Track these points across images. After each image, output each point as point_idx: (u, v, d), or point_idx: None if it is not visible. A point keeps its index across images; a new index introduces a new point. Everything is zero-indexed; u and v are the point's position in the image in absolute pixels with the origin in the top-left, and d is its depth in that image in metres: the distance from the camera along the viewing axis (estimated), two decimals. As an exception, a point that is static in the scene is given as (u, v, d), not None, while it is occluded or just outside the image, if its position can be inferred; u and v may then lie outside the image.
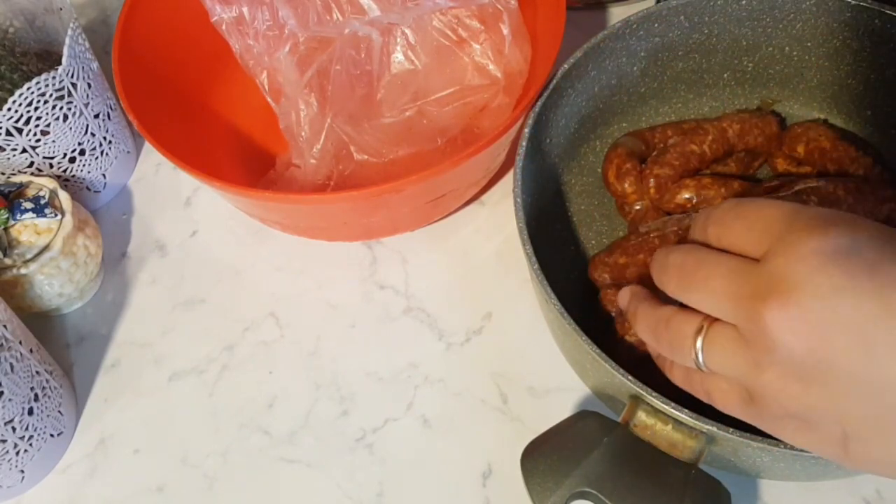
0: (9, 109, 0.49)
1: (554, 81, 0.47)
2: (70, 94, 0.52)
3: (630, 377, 0.37)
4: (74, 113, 0.53)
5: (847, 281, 0.23)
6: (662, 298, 0.32)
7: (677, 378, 0.32)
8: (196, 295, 0.55)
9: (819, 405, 0.24)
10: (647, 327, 0.32)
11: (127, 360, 0.53)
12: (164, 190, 0.61)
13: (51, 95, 0.50)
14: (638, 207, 0.50)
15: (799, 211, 0.27)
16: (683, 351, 0.29)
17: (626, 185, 0.50)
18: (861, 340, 0.23)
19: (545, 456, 0.37)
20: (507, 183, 0.58)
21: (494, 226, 0.56)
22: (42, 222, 0.50)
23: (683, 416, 0.36)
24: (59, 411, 0.48)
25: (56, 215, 0.50)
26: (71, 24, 0.52)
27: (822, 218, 0.25)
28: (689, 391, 0.32)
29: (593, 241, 0.53)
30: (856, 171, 0.48)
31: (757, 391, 0.26)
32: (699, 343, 0.28)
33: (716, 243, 0.30)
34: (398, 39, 0.57)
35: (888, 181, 0.48)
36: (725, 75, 0.54)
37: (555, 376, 0.49)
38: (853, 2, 0.47)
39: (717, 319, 0.28)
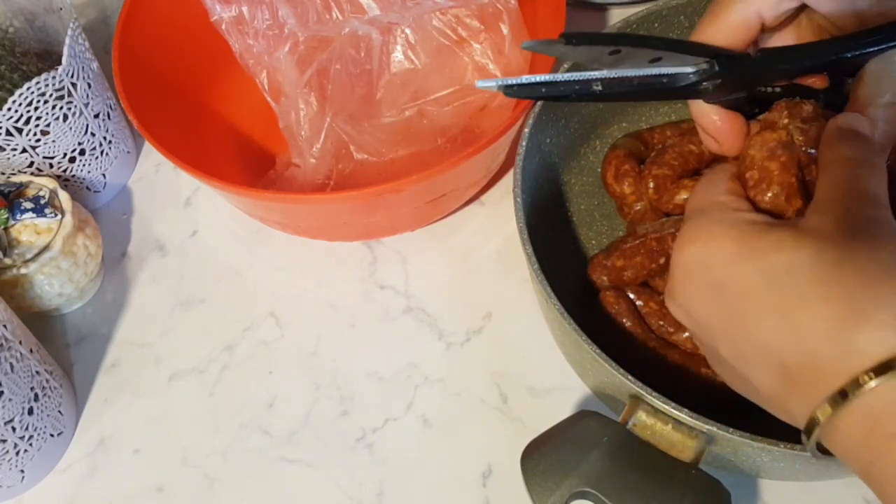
0: (9, 109, 0.49)
1: (554, 81, 0.47)
2: (70, 94, 0.52)
3: (630, 377, 0.37)
4: (74, 113, 0.53)
5: (694, 293, 0.33)
6: None
7: None
8: (196, 295, 0.55)
9: (698, 340, 0.36)
10: None
11: (127, 360, 0.53)
12: (164, 190, 0.61)
13: (51, 95, 0.50)
14: (637, 208, 0.50)
15: (693, 215, 0.35)
16: None
17: (625, 187, 0.50)
18: (708, 331, 0.33)
19: (545, 456, 0.37)
20: (507, 183, 0.58)
21: (494, 226, 0.56)
22: (42, 222, 0.50)
23: (683, 415, 0.36)
24: (59, 411, 0.48)
25: (56, 215, 0.50)
26: (71, 24, 0.52)
27: (694, 234, 0.34)
28: None
29: (593, 241, 0.53)
30: None
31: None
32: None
33: None
34: (398, 39, 0.57)
35: None
36: (725, 75, 0.54)
37: (555, 376, 0.49)
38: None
39: None
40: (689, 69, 0.35)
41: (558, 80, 0.36)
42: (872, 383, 0.27)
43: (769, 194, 0.35)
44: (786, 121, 0.36)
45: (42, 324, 0.54)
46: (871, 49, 0.35)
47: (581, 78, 0.35)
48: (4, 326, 0.42)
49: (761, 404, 0.33)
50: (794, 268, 0.30)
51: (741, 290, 0.31)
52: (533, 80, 0.36)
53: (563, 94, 0.36)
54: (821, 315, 0.29)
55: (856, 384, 0.27)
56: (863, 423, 0.28)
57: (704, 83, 0.36)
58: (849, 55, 0.35)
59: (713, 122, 0.38)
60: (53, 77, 0.50)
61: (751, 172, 0.36)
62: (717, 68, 0.35)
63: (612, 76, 0.35)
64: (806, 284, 0.29)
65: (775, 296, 0.30)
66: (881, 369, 0.27)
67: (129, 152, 0.61)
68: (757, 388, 0.32)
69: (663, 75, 0.35)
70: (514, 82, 0.36)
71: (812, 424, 0.29)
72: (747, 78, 0.37)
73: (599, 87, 0.35)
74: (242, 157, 0.59)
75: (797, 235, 0.31)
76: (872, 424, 0.27)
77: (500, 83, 0.35)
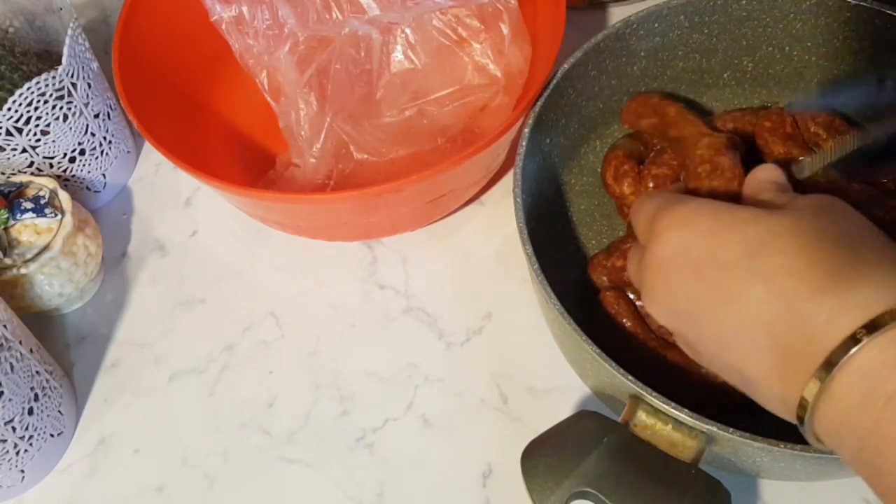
0: (9, 109, 0.49)
1: (554, 81, 0.47)
2: (70, 94, 0.52)
3: (630, 377, 0.37)
4: (74, 113, 0.53)
5: (675, 281, 0.33)
6: None
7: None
8: (196, 295, 0.55)
9: (682, 340, 0.36)
10: None
11: (127, 360, 0.53)
12: (164, 190, 0.61)
13: (51, 95, 0.50)
14: (637, 208, 0.50)
15: (659, 211, 0.34)
16: None
17: (625, 187, 0.50)
18: (692, 322, 0.33)
19: (545, 456, 0.37)
20: (507, 183, 0.58)
21: (494, 226, 0.56)
22: (42, 222, 0.50)
23: (683, 415, 0.36)
24: (59, 411, 0.48)
25: (56, 215, 0.50)
26: (71, 24, 0.52)
27: (668, 221, 0.33)
28: None
29: (593, 241, 0.53)
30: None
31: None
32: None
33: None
34: (398, 39, 0.57)
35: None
36: (725, 75, 0.54)
37: (555, 376, 0.49)
38: (853, 2, 0.47)
39: None
40: None
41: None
42: (866, 340, 0.26)
43: (720, 180, 0.39)
44: (730, 125, 0.44)
45: (42, 324, 0.54)
46: None
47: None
48: (4, 326, 0.42)
49: (752, 394, 0.32)
50: (774, 236, 0.30)
51: (723, 264, 0.30)
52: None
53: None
54: (807, 278, 0.28)
55: (851, 341, 0.26)
56: (860, 385, 0.27)
57: None
58: None
59: None
60: (53, 77, 0.50)
61: (703, 167, 0.40)
62: None
63: None
64: (788, 250, 0.29)
65: (759, 264, 0.29)
66: (873, 326, 0.26)
67: (129, 152, 0.61)
68: (745, 374, 0.31)
69: None
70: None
71: (806, 401, 0.28)
72: None
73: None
74: (242, 157, 0.59)
75: (768, 210, 0.31)
76: (871, 385, 0.26)
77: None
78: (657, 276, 0.34)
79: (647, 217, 0.36)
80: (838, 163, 0.39)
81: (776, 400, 0.31)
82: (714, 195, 0.38)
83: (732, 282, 0.30)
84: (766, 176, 0.37)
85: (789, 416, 0.30)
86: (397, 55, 0.57)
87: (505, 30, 0.55)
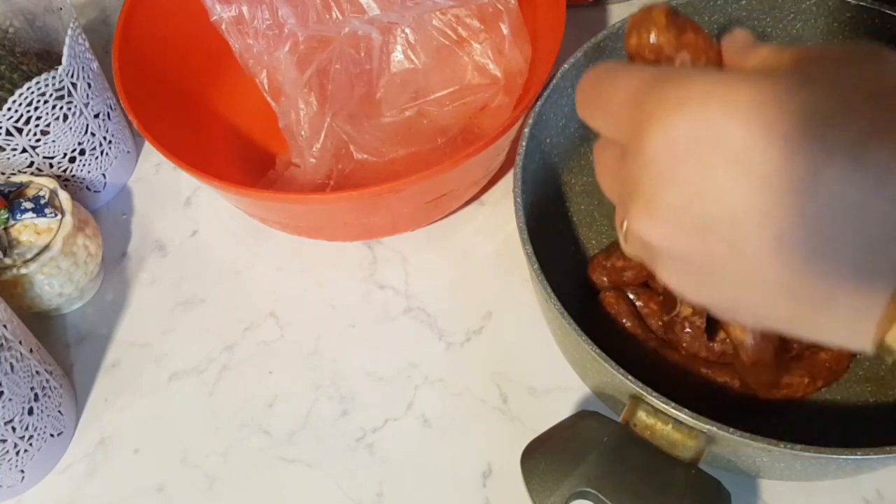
0: (9, 109, 0.49)
1: (554, 81, 0.47)
2: (70, 94, 0.52)
3: (630, 377, 0.37)
4: (74, 113, 0.53)
5: (701, 178, 0.23)
6: None
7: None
8: (196, 295, 0.55)
9: (692, 263, 0.25)
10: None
11: (127, 360, 0.53)
12: (164, 190, 0.61)
13: (51, 95, 0.50)
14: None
15: (657, 83, 0.25)
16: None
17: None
18: (727, 231, 0.23)
19: (545, 456, 0.37)
20: (507, 183, 0.58)
21: (494, 226, 0.56)
22: (42, 222, 0.50)
23: (683, 415, 0.36)
24: (59, 411, 0.48)
25: (56, 215, 0.50)
26: (71, 24, 0.52)
27: (679, 97, 0.24)
28: None
29: (593, 241, 0.53)
30: None
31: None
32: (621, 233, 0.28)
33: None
34: (398, 38, 0.57)
35: None
36: (725, 75, 0.54)
37: (555, 376, 0.49)
38: (853, 2, 0.47)
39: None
40: None
41: None
42: None
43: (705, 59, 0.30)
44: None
45: (42, 324, 0.54)
46: None
47: None
48: (4, 326, 0.42)
49: (802, 320, 0.24)
50: (842, 101, 0.22)
51: (782, 145, 0.22)
52: None
53: None
54: None
55: None
56: None
57: None
58: None
59: None
60: (53, 77, 0.50)
61: (683, 55, 0.29)
62: None
63: None
64: (867, 111, 0.22)
65: (835, 136, 0.21)
66: None
67: (129, 152, 0.61)
68: (805, 289, 0.23)
69: None
70: None
71: None
72: None
73: None
74: (242, 157, 0.59)
75: (810, 71, 0.24)
76: None
77: None
78: (666, 175, 0.24)
79: (627, 95, 0.26)
80: None
81: (848, 311, 0.23)
82: None
83: (800, 165, 0.22)
84: (744, 39, 0.28)
85: (860, 331, 0.23)
86: (397, 55, 0.57)
87: (505, 30, 0.55)
